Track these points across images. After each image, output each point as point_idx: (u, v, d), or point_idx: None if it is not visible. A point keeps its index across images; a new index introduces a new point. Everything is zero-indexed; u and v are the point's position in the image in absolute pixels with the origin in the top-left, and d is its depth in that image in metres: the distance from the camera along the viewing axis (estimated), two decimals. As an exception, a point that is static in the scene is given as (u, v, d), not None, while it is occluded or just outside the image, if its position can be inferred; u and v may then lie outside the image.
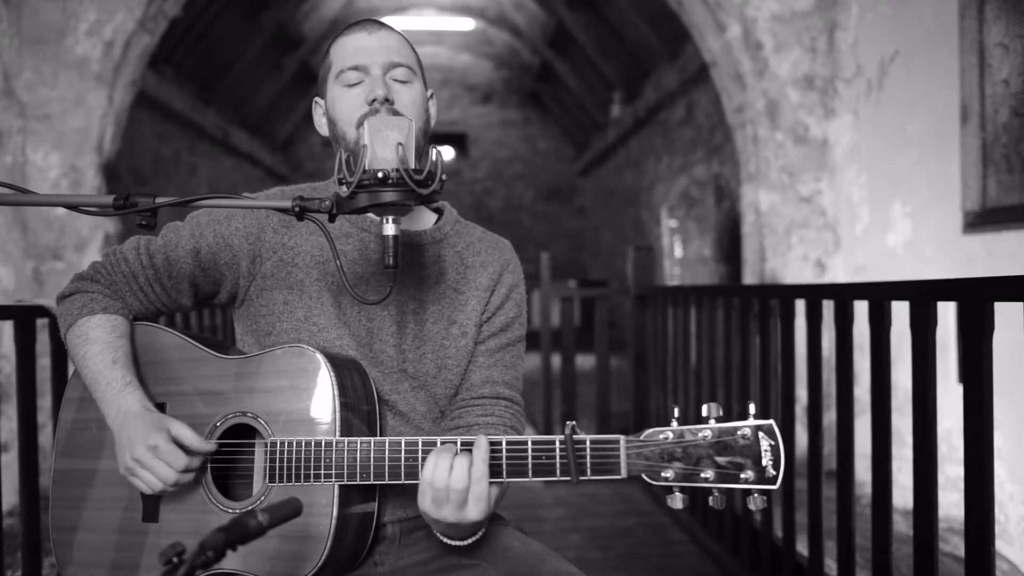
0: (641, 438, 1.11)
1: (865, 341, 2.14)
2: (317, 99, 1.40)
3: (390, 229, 1.11)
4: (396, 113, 1.29)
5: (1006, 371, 1.97)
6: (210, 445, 1.24)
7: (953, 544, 3.30)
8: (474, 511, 1.13)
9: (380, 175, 1.06)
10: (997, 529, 2.95)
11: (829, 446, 3.73)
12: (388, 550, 1.34)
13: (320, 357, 1.24)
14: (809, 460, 2.38)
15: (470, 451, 1.14)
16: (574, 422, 1.14)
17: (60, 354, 2.16)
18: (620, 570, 3.04)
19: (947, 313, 1.90)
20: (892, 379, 2.04)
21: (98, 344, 1.30)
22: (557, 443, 1.13)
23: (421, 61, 1.40)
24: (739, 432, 1.08)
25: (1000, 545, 3.36)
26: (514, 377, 1.44)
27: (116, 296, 1.35)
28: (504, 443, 1.15)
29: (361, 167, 1.07)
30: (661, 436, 1.10)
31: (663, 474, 1.09)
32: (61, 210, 4.33)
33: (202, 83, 9.64)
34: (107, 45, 4.41)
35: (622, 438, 1.12)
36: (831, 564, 2.61)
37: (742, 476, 1.07)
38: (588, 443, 1.12)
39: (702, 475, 1.08)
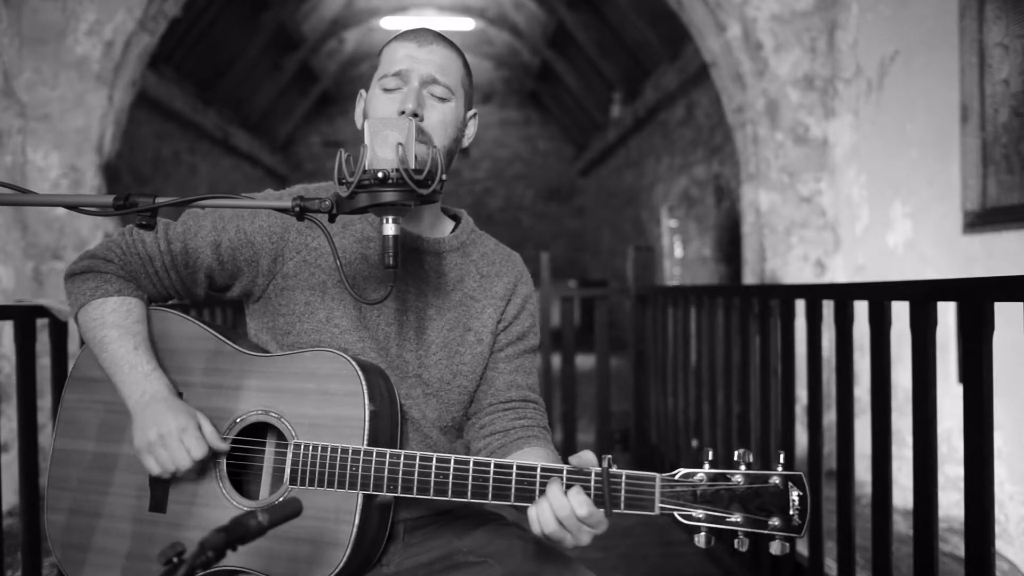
0: (676, 478, 1.12)
1: (865, 341, 2.13)
2: (362, 91, 1.41)
3: (390, 229, 1.11)
4: (421, 131, 1.29)
5: (1006, 371, 1.97)
6: (224, 445, 1.26)
7: (953, 544, 3.29)
8: (586, 538, 1.13)
9: (380, 175, 1.06)
10: (997, 529, 2.95)
11: (829, 446, 3.73)
12: (395, 550, 1.34)
13: (354, 364, 1.24)
14: (809, 460, 2.38)
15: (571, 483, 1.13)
16: (610, 455, 1.14)
17: (60, 354, 2.16)
18: (620, 570, 3.04)
19: (947, 313, 1.90)
20: (892, 379, 2.04)
21: (117, 329, 1.30)
22: (593, 474, 1.13)
23: (471, 78, 1.39)
24: (770, 480, 1.10)
25: (1000, 545, 3.36)
26: (534, 382, 1.46)
27: (130, 277, 1.34)
28: (539, 469, 1.15)
29: (361, 167, 1.07)
30: (696, 477, 1.12)
31: (693, 514, 1.11)
32: (61, 210, 4.33)
33: (202, 83, 9.63)
34: (107, 45, 4.41)
35: (658, 476, 1.12)
36: (831, 564, 2.61)
37: (770, 523, 1.09)
38: (624, 478, 1.12)
39: (730, 519, 1.10)
